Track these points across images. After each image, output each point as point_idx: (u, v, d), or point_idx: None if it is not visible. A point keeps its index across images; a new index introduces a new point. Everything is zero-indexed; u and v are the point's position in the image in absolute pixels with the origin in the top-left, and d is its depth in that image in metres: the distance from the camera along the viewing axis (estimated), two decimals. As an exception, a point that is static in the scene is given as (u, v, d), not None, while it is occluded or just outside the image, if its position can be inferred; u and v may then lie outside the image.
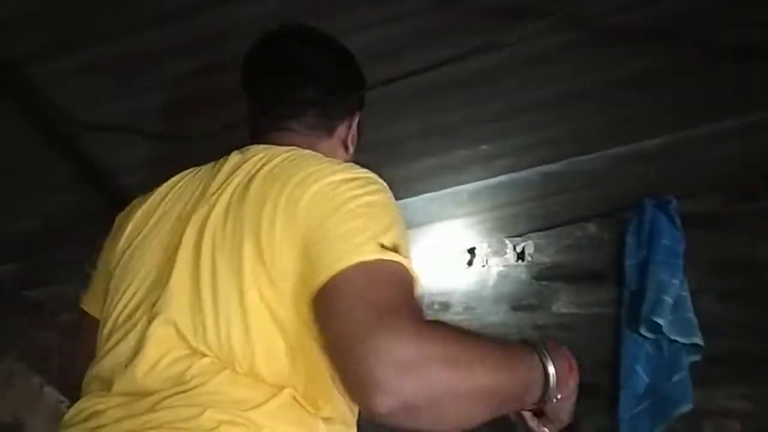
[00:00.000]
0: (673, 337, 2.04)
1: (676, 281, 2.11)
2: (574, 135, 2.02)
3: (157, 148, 1.67)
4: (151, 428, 0.80)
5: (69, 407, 0.94)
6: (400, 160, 1.98)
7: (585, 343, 2.25)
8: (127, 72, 1.54)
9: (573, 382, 0.95)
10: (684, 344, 2.05)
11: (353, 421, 0.95)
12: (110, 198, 1.83)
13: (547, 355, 0.89)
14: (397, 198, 2.40)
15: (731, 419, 2.03)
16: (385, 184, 0.96)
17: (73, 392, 0.99)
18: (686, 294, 2.12)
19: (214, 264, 0.90)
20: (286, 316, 0.86)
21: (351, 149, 1.19)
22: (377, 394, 0.72)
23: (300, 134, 1.10)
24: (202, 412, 0.80)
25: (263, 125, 1.12)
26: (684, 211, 2.28)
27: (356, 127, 1.20)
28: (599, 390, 2.17)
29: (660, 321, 2.02)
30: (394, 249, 0.84)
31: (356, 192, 0.90)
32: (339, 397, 0.89)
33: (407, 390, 0.73)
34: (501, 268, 2.45)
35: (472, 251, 2.52)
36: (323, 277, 0.81)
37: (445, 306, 2.44)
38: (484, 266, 2.48)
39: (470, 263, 2.51)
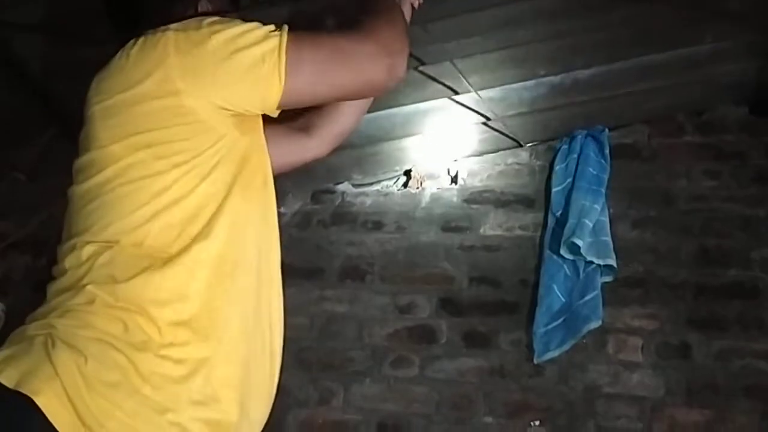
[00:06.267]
0: (589, 258, 2.17)
1: (597, 206, 2.23)
2: (514, 60, 2.05)
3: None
4: None
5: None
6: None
7: (508, 263, 2.37)
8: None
9: None
10: (599, 266, 2.18)
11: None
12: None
13: None
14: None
15: (635, 336, 2.20)
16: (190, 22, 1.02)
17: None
18: (605, 219, 2.25)
19: None
20: None
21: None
22: (395, 71, 1.03)
23: None
24: None
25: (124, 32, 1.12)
26: (612, 141, 2.38)
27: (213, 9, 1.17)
28: (519, 307, 2.31)
29: (579, 242, 2.14)
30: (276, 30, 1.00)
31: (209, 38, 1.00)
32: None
33: (399, 51, 1.05)
34: (434, 191, 2.52)
35: (407, 173, 2.58)
36: None
37: (378, 225, 2.51)
38: (418, 188, 2.54)
39: (405, 185, 2.57)
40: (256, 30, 0.99)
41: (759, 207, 2.26)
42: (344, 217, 2.55)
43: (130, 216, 0.95)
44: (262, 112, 1.03)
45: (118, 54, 1.02)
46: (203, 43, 0.97)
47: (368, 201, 2.56)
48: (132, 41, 1.01)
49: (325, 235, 2.54)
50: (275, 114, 1.04)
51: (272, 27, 1.00)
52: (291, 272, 2.46)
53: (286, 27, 1.01)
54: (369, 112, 2.20)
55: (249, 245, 1.02)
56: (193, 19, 1.02)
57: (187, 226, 0.95)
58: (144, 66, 0.97)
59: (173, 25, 0.99)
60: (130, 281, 0.91)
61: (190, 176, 0.96)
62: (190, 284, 0.93)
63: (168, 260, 0.93)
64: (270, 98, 0.99)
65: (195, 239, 0.95)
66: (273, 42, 0.98)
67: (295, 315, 2.43)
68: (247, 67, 0.97)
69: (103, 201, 0.97)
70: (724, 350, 2.14)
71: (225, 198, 0.98)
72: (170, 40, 0.97)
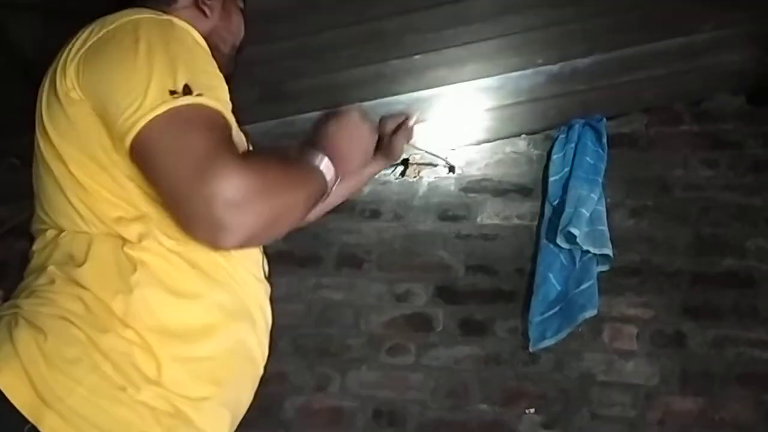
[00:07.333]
0: (585, 247, 2.17)
1: (594, 196, 2.23)
2: (512, 48, 2.05)
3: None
4: None
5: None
6: (335, 67, 1.99)
7: (505, 252, 2.38)
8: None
9: (360, 145, 1.09)
10: (595, 255, 2.19)
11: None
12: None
13: (322, 156, 0.98)
14: (332, 105, 2.42)
15: (629, 325, 2.21)
16: (153, 17, 0.96)
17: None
18: (602, 209, 2.25)
19: None
20: None
21: (211, 12, 1.11)
22: (222, 235, 0.83)
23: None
24: None
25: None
26: (609, 131, 2.38)
27: None
28: (515, 296, 2.32)
29: (575, 231, 2.15)
30: (186, 90, 0.86)
31: (126, 42, 0.91)
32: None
33: (247, 223, 0.84)
34: (432, 180, 2.52)
35: (405, 162, 2.58)
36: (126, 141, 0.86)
37: (375, 213, 2.51)
38: (415, 177, 2.54)
39: (403, 173, 2.57)
40: (158, 75, 0.87)
41: (755, 196, 2.26)
42: (342, 205, 2.54)
43: (69, 211, 0.94)
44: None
45: (69, 41, 0.98)
46: (113, 48, 0.91)
47: (366, 189, 2.55)
48: (82, 29, 0.97)
49: (322, 223, 2.53)
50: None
51: (171, 87, 0.86)
52: (288, 260, 2.51)
53: (183, 101, 0.85)
54: (367, 100, 2.23)
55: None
56: (130, 14, 0.95)
57: (129, 223, 0.92)
58: (64, 63, 0.94)
59: (105, 18, 0.94)
60: (84, 265, 0.91)
61: (111, 180, 0.92)
62: (132, 278, 0.89)
63: (113, 248, 0.91)
64: (108, 148, 0.91)
65: (137, 237, 0.91)
66: (147, 105, 0.85)
67: (293, 302, 2.46)
68: (112, 105, 0.87)
69: (51, 191, 0.96)
70: (719, 339, 2.16)
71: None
72: (82, 39, 0.94)
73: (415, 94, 2.20)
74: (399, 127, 1.30)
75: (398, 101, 2.22)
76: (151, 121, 0.84)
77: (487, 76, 2.17)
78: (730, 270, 2.21)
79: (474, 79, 2.17)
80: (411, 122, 1.31)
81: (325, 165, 0.98)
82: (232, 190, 0.82)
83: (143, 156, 0.86)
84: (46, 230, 0.98)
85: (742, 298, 2.17)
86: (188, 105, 0.86)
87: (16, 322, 0.88)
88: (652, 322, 2.20)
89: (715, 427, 2.09)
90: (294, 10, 1.68)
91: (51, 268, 0.93)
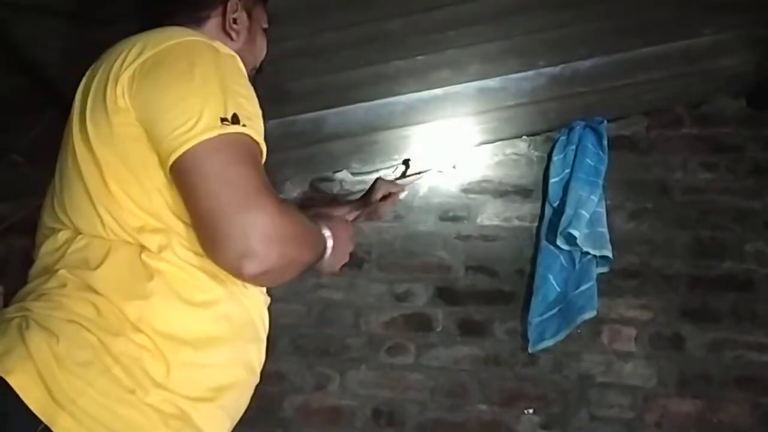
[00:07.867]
0: (585, 249, 2.18)
1: (594, 198, 2.23)
2: (514, 50, 2.05)
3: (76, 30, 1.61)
4: None
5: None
6: (336, 67, 1.99)
7: (505, 253, 2.38)
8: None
9: (346, 251, 1.18)
10: (595, 256, 2.19)
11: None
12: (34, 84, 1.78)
13: (329, 236, 1.09)
14: (333, 106, 2.40)
15: (628, 326, 2.22)
16: (205, 42, 0.99)
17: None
18: (602, 210, 2.26)
19: None
20: None
21: (237, 36, 1.16)
22: (247, 261, 0.88)
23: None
24: None
25: (146, 25, 1.08)
26: (610, 133, 2.39)
27: (243, 12, 1.17)
28: (514, 297, 2.32)
29: (575, 233, 2.16)
30: (234, 119, 0.92)
31: (181, 65, 0.95)
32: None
33: (271, 259, 0.90)
34: (432, 180, 2.53)
35: (406, 162, 2.58)
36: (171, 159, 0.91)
37: (376, 213, 2.52)
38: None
39: (404, 174, 2.57)
40: (212, 103, 0.91)
41: (754, 199, 2.27)
42: (342, 205, 2.55)
43: (92, 215, 0.95)
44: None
45: (118, 49, 1.00)
46: (168, 68, 0.94)
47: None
48: (131, 40, 1.00)
49: (323, 223, 2.54)
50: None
51: (223, 114, 0.91)
52: (288, 259, 2.48)
53: (232, 130, 0.91)
54: (369, 100, 2.24)
55: None
56: (180, 35, 0.98)
57: (150, 233, 0.94)
58: (117, 70, 0.97)
59: (156, 34, 0.98)
60: (99, 269, 0.92)
61: (141, 190, 0.94)
62: (148, 285, 0.92)
63: (131, 255, 0.93)
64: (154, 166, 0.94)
65: (157, 248, 0.93)
66: (200, 127, 0.89)
67: (293, 302, 2.46)
68: (162, 122, 0.91)
69: (76, 192, 0.97)
70: (717, 341, 2.16)
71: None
72: (136, 50, 0.96)
73: (416, 95, 2.20)
74: (390, 194, 1.47)
75: (400, 102, 2.23)
76: (201, 142, 0.89)
77: (489, 78, 2.17)
78: (729, 273, 2.21)
79: (476, 80, 2.17)
80: (402, 195, 1.46)
81: (330, 243, 1.08)
82: (271, 226, 0.89)
83: (186, 174, 0.90)
84: (59, 231, 0.98)
85: (741, 301, 2.18)
86: (236, 134, 0.91)
87: (27, 324, 0.90)
88: (651, 324, 2.21)
89: (713, 429, 2.10)
90: (295, 10, 1.68)
91: (62, 271, 0.94)
